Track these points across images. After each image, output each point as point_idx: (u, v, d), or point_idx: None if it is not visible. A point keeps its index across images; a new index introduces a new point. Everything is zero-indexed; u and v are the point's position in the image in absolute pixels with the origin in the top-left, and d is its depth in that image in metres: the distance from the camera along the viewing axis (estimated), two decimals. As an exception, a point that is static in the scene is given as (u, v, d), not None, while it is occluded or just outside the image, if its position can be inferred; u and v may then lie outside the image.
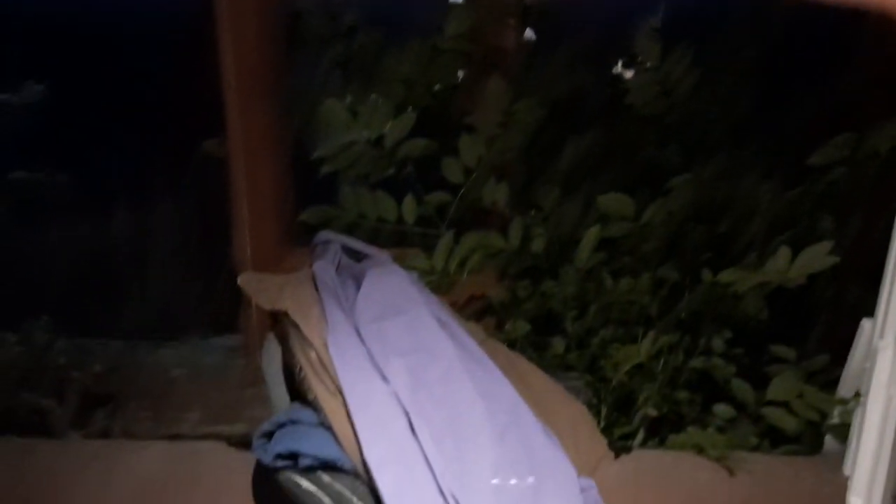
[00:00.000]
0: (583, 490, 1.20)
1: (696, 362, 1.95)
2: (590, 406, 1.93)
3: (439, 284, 1.93)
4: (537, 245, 2.04)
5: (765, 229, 1.80)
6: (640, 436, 1.95)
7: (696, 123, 1.98)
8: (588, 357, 2.00)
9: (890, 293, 1.58)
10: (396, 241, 2.03)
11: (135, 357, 2.65)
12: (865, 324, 1.68)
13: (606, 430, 1.89)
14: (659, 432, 1.95)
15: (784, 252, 1.62)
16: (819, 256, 1.61)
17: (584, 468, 1.28)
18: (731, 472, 1.79)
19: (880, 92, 1.77)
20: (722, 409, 1.91)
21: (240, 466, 1.81)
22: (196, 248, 3.04)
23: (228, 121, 2.43)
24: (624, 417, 1.96)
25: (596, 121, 2.13)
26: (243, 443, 1.89)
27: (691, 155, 2.01)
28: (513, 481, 1.16)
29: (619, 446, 1.89)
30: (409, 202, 2.00)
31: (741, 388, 1.89)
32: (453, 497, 1.13)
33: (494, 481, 1.15)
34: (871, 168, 1.69)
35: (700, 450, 1.84)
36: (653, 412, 1.96)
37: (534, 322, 2.07)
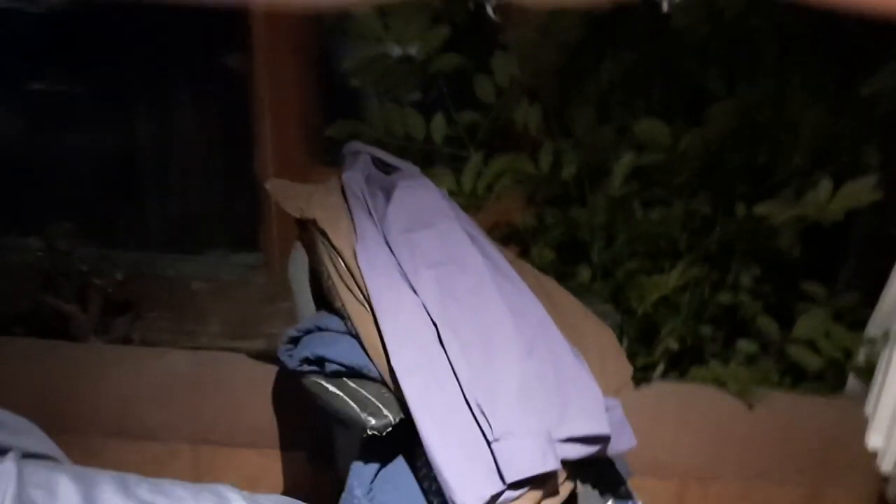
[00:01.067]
0: (608, 409, 1.19)
1: (723, 297, 1.93)
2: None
3: (466, 207, 1.88)
4: (568, 171, 1.99)
5: (805, 162, 1.73)
6: (661, 367, 1.95)
7: (742, 49, 1.89)
8: (613, 287, 1.98)
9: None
10: (423, 160, 1.98)
11: (156, 269, 2.66)
12: (903, 261, 1.64)
13: (628, 361, 1.89)
14: (680, 366, 1.94)
15: (825, 185, 1.57)
16: (861, 191, 1.56)
17: (609, 390, 1.27)
18: (750, 406, 1.78)
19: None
20: (745, 345, 1.90)
21: (261, 376, 1.84)
22: (219, 165, 3.01)
23: (253, 33, 2.37)
24: (646, 349, 1.95)
25: (636, 43, 2.04)
26: (262, 356, 1.91)
27: (734, 82, 1.93)
28: (538, 395, 1.15)
29: (640, 377, 1.89)
30: (438, 120, 1.95)
31: (767, 324, 1.87)
32: (478, 406, 1.12)
33: (520, 394, 1.14)
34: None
35: (721, 383, 1.83)
36: (674, 345, 1.94)
37: (559, 250, 2.04)
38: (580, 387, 1.21)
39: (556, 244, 2.02)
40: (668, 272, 1.84)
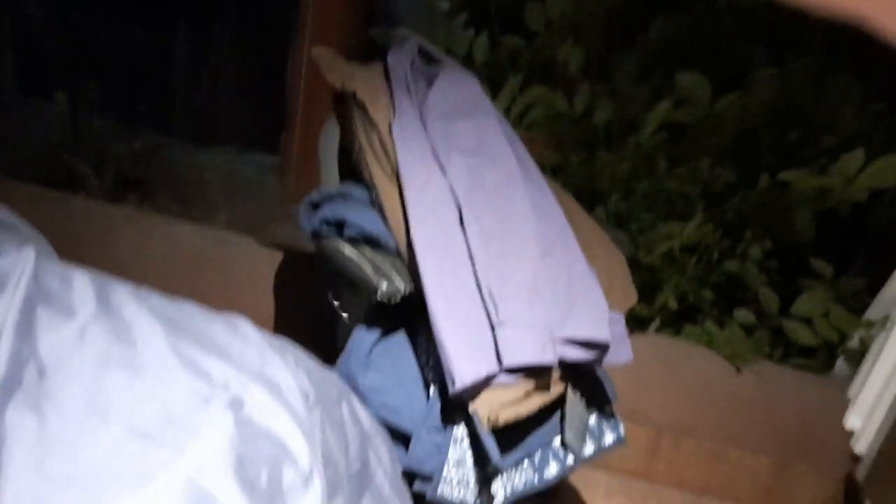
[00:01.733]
0: (611, 321, 1.21)
1: (731, 265, 1.94)
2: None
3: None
4: (600, 117, 1.99)
5: (839, 142, 1.74)
6: (657, 322, 1.97)
7: (790, 24, 1.89)
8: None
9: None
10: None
11: (173, 151, 2.66)
12: (915, 252, 1.65)
13: (630, 314, 1.91)
14: (677, 325, 1.96)
15: (858, 155, 1.58)
16: (891, 169, 1.57)
17: (613, 309, 1.29)
18: (738, 371, 1.81)
19: None
20: (743, 314, 1.92)
21: (266, 262, 1.85)
22: (254, 66, 3.00)
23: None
24: (646, 302, 1.96)
25: (688, 6, 2.03)
26: (270, 245, 1.92)
27: (780, 58, 1.93)
28: (547, 293, 1.17)
29: (635, 328, 1.91)
30: (481, 40, 1.94)
31: (768, 297, 1.89)
32: (489, 290, 1.13)
33: (530, 288, 1.16)
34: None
35: (713, 345, 1.85)
36: (674, 304, 1.96)
37: (579, 197, 2.05)
38: (588, 295, 1.22)
39: (576, 188, 2.03)
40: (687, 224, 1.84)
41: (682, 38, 2.05)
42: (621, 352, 1.23)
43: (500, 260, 1.17)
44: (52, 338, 0.83)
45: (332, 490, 0.88)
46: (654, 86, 2.01)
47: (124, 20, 2.97)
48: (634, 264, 1.95)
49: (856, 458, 1.72)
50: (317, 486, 0.79)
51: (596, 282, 1.25)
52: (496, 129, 1.29)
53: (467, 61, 1.95)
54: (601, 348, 1.19)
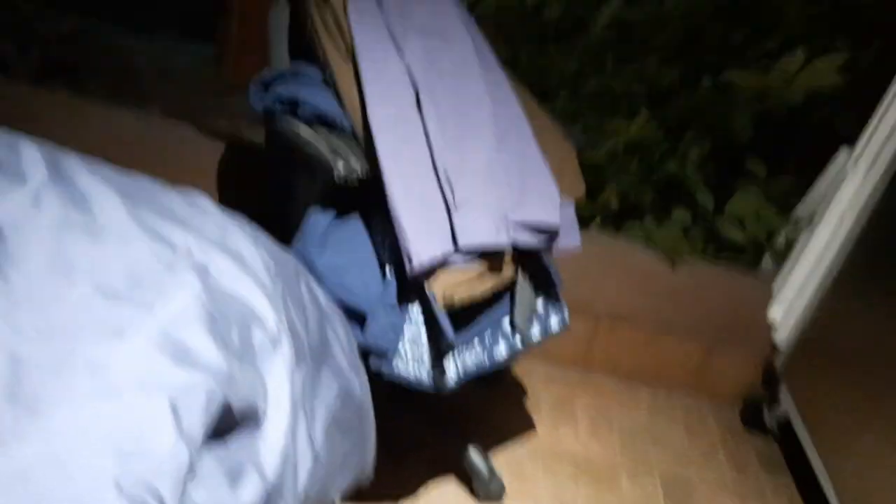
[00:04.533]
0: (562, 206, 1.25)
1: (670, 166, 2.00)
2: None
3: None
4: (551, 13, 1.98)
5: (780, 44, 1.78)
6: (598, 220, 2.02)
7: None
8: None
9: (877, 125, 1.63)
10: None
11: (103, 36, 2.51)
12: (842, 151, 1.73)
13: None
14: (617, 224, 2.03)
15: (798, 56, 1.63)
16: (827, 71, 1.62)
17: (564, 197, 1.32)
18: (672, 264, 1.89)
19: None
20: (680, 214, 1.99)
21: (208, 148, 1.81)
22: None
23: None
24: (589, 201, 2.01)
25: None
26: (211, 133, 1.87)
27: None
28: (502, 179, 1.19)
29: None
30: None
31: (704, 197, 1.96)
32: (445, 173, 1.15)
33: (486, 173, 1.17)
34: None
35: (651, 242, 1.93)
36: (615, 204, 2.02)
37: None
38: (541, 182, 1.25)
39: (525, 84, 2.03)
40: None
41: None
42: (571, 237, 1.27)
43: (456, 143, 1.18)
44: (6, 203, 0.81)
45: (297, 358, 0.90)
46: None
47: None
48: (580, 162, 1.99)
49: (775, 348, 1.85)
50: (285, 349, 0.81)
51: (548, 169, 1.28)
52: (453, 11, 1.28)
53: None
54: (552, 233, 1.23)
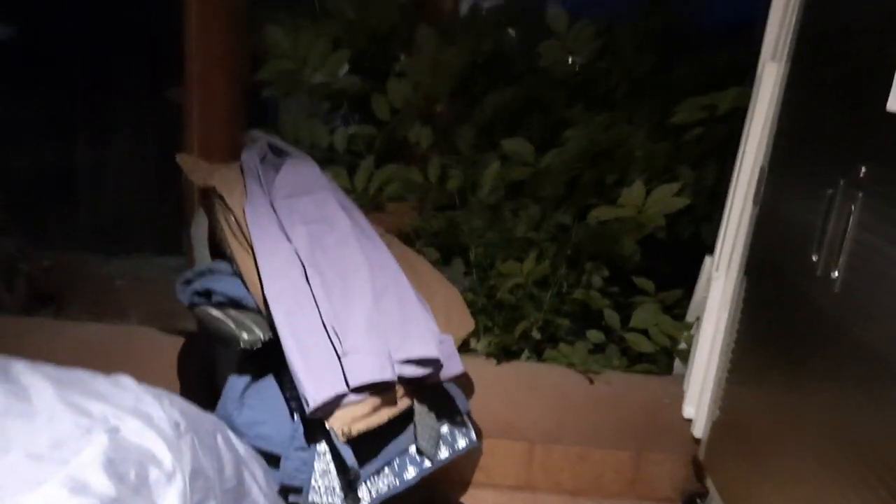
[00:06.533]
0: (441, 342, 1.48)
1: (578, 294, 2.26)
2: (485, 327, 2.24)
3: (360, 205, 2.21)
4: (453, 184, 2.33)
5: (638, 178, 2.10)
6: (526, 353, 2.25)
7: (597, 86, 2.29)
8: (487, 283, 2.29)
9: (724, 233, 1.90)
10: (326, 164, 2.30)
11: (83, 265, 2.88)
12: (707, 259, 1.99)
13: (497, 346, 2.20)
14: (538, 349, 2.25)
15: (638, 185, 1.93)
16: (669, 195, 1.92)
17: (455, 336, 1.56)
18: (591, 380, 2.10)
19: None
20: (594, 334, 2.22)
21: (167, 346, 2.07)
22: (148, 178, 3.28)
23: (188, 64, 2.62)
24: (511, 336, 2.25)
25: (515, 80, 2.42)
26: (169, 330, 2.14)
27: (595, 114, 2.31)
28: (383, 326, 1.44)
29: (505, 357, 2.20)
30: (340, 132, 2.27)
31: (611, 316, 2.20)
32: (333, 329, 1.40)
33: (367, 323, 1.43)
34: (719, 126, 2.01)
35: (570, 363, 2.15)
36: (537, 335, 2.26)
37: (442, 250, 2.36)
38: (419, 324, 1.50)
39: (440, 245, 2.34)
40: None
41: (512, 104, 2.42)
42: (452, 365, 1.50)
43: (341, 303, 1.44)
44: (-40, 402, 1.06)
45: (202, 496, 1.11)
46: (496, 148, 2.36)
47: (29, 150, 3.23)
48: (497, 304, 2.26)
49: (697, 441, 2.01)
50: (178, 482, 1.02)
51: (426, 313, 1.54)
52: (332, 200, 1.59)
53: (330, 151, 2.27)
54: (433, 364, 1.46)
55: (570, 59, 2.22)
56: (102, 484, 0.92)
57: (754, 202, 1.74)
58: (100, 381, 1.22)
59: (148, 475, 0.99)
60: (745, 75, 1.84)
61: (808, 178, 1.50)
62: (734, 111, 1.89)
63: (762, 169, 1.72)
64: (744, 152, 1.76)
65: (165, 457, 1.04)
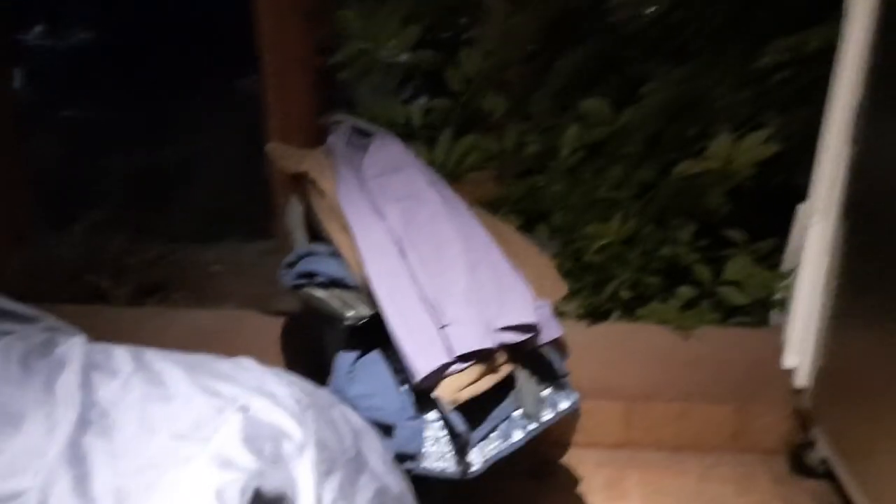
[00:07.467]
0: (537, 307, 1.51)
1: (665, 251, 2.24)
2: (574, 290, 2.24)
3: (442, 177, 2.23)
4: (531, 150, 2.33)
5: (724, 128, 2.05)
6: (617, 313, 2.25)
7: (673, 38, 2.23)
8: (572, 246, 2.30)
9: (819, 180, 1.85)
10: (405, 140, 2.33)
11: (181, 255, 3.02)
12: (800, 208, 1.94)
13: (588, 308, 2.21)
14: (630, 308, 2.25)
15: (724, 138, 1.88)
16: (758, 143, 1.87)
17: (548, 300, 1.59)
18: (685, 336, 2.09)
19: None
20: (684, 290, 2.20)
21: (272, 325, 2.17)
22: (236, 168, 3.41)
23: (262, 57, 2.68)
24: (600, 297, 2.25)
25: (586, 39, 2.38)
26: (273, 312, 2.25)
27: (671, 68, 2.26)
28: (480, 297, 1.48)
29: (596, 318, 2.21)
30: (417, 107, 2.30)
31: (701, 271, 2.18)
32: (433, 302, 1.44)
33: (465, 294, 1.46)
34: (808, 67, 1.94)
35: (663, 321, 2.14)
36: (627, 294, 2.25)
37: (526, 217, 2.37)
38: (515, 292, 1.53)
39: (522, 211, 2.35)
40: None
41: (586, 65, 2.39)
42: (551, 330, 1.52)
43: (437, 277, 1.48)
44: (105, 390, 1.16)
45: (328, 466, 1.17)
46: (571, 112, 2.34)
47: (122, 150, 3.41)
48: (584, 266, 2.26)
49: (799, 392, 1.98)
50: (309, 453, 1.09)
51: (521, 281, 1.56)
52: (420, 177, 1.63)
53: (406, 126, 2.30)
54: (532, 329, 1.49)
55: (645, 11, 2.17)
56: (245, 458, 0.99)
57: (853, 142, 1.69)
58: (223, 364, 1.30)
59: (281, 448, 1.06)
60: (832, 12, 1.77)
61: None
62: (822, 49, 1.82)
63: (859, 105, 1.66)
64: (836, 92, 1.70)
65: (295, 431, 1.11)
